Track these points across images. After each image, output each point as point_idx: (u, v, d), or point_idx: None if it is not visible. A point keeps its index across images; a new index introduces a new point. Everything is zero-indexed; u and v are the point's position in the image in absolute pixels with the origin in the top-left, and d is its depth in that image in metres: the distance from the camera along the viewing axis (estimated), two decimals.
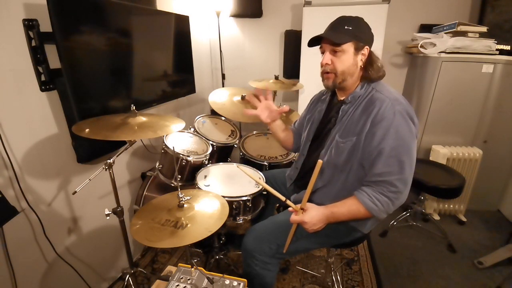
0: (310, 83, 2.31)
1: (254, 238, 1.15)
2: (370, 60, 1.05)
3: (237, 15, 2.62)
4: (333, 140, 1.10)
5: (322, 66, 1.08)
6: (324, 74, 1.08)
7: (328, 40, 1.03)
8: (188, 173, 1.55)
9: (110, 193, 1.36)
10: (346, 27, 1.01)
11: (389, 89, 1.04)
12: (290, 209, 1.06)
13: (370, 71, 1.05)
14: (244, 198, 1.31)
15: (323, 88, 1.20)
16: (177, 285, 0.85)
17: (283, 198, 1.05)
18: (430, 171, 1.95)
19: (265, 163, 1.79)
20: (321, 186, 1.15)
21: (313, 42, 1.08)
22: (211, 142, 1.74)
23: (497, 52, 2.03)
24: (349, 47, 1.02)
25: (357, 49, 1.03)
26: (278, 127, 1.41)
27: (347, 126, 1.06)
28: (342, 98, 1.13)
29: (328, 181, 1.13)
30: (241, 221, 1.35)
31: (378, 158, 0.97)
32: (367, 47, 1.04)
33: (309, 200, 1.07)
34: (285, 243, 1.11)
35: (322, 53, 1.08)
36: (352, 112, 1.06)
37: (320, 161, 0.94)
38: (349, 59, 1.03)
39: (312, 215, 1.02)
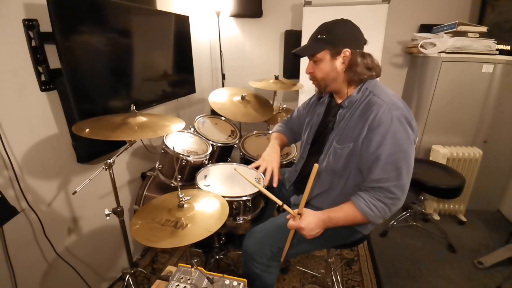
0: (310, 83, 2.25)
1: (255, 241, 1.14)
2: (352, 62, 1.02)
3: (237, 15, 2.62)
4: (331, 146, 1.09)
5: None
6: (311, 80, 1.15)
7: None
8: (188, 173, 1.55)
9: (110, 193, 1.36)
10: (319, 36, 1.04)
11: (387, 92, 1.01)
12: (288, 215, 1.04)
13: (353, 73, 1.03)
14: (244, 198, 1.30)
15: None
16: (177, 285, 0.85)
17: (280, 203, 1.03)
18: (430, 171, 1.95)
19: None
20: (320, 192, 1.14)
21: None
22: (211, 142, 1.74)
23: (497, 52, 2.03)
24: (324, 55, 1.04)
25: (334, 55, 1.03)
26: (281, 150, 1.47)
27: (345, 131, 1.05)
28: (339, 102, 1.12)
29: (328, 187, 1.12)
30: (241, 221, 1.35)
31: (375, 164, 0.96)
32: (347, 49, 1.01)
33: (309, 206, 1.05)
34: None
35: None
36: (349, 117, 1.05)
37: (316, 165, 0.93)
38: (326, 66, 1.05)
39: (309, 220, 0.99)
